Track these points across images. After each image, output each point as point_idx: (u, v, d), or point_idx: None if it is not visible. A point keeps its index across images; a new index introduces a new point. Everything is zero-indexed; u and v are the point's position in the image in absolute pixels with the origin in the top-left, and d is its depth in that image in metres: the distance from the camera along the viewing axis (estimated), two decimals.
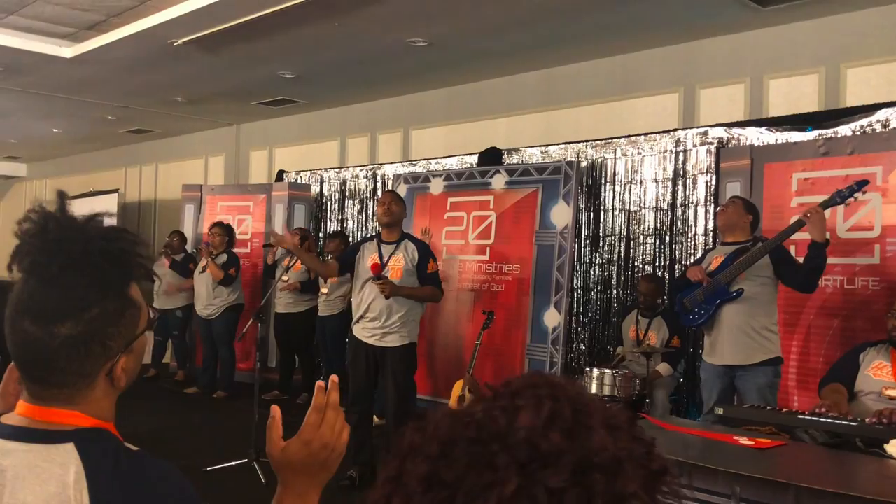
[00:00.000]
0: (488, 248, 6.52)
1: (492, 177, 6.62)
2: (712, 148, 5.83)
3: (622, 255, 6.40)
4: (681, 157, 6.05)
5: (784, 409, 3.49)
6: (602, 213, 6.52)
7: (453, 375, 6.12)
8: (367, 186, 8.53)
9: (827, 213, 4.02)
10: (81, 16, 6.22)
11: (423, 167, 7.71)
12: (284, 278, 7.03)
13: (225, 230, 7.62)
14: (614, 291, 6.47)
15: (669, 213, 6.11)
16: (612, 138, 6.45)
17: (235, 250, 7.78)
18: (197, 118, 9.89)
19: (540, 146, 6.90)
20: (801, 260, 4.17)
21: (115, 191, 11.94)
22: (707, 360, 4.33)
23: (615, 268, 6.45)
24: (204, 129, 10.61)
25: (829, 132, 5.11)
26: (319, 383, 1.18)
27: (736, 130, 5.74)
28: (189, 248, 8.55)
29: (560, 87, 6.95)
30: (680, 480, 0.67)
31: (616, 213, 6.45)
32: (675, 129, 6.12)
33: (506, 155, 7.05)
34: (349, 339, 5.07)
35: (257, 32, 6.08)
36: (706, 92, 6.11)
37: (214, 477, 4.94)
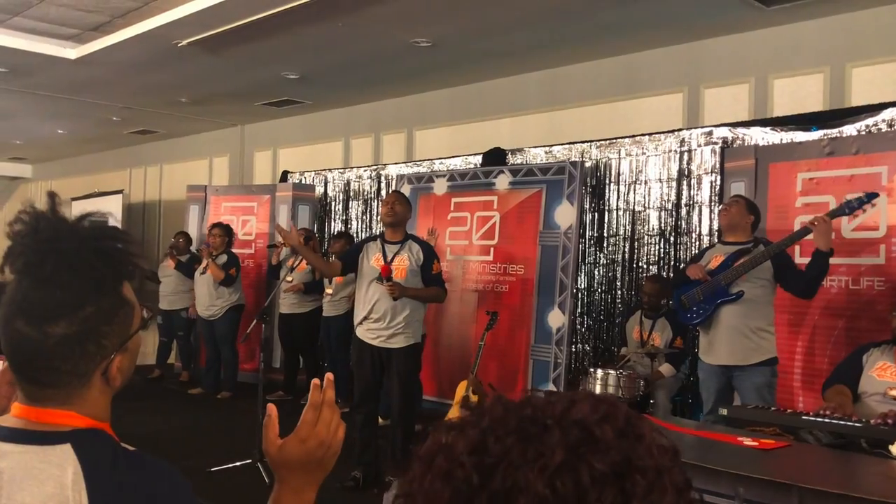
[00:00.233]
0: (492, 249, 6.52)
1: (496, 177, 6.62)
2: (717, 148, 5.82)
3: (626, 255, 6.39)
4: (685, 157, 6.03)
5: (788, 410, 3.48)
6: (606, 213, 6.51)
7: (457, 376, 6.11)
8: (371, 187, 8.54)
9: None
10: (86, 17, 6.24)
11: (426, 168, 7.72)
12: (289, 279, 7.04)
13: (224, 231, 7.63)
14: (618, 292, 6.45)
15: (674, 213, 6.09)
16: (616, 138, 6.44)
17: (240, 251, 7.79)
18: (201, 119, 9.91)
19: (544, 146, 6.89)
20: (802, 261, 4.16)
21: (120, 191, 11.98)
22: (704, 359, 4.33)
23: (619, 268, 6.44)
24: (208, 130, 10.63)
25: (834, 132, 5.09)
26: (315, 381, 1.17)
27: (740, 130, 5.73)
28: (194, 248, 8.57)
29: (564, 88, 6.93)
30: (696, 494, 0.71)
31: (620, 213, 6.44)
32: (679, 130, 6.11)
33: (510, 155, 7.04)
34: (353, 340, 5.06)
35: (261, 33, 6.09)
36: (710, 92, 6.09)
37: (219, 477, 4.94)
